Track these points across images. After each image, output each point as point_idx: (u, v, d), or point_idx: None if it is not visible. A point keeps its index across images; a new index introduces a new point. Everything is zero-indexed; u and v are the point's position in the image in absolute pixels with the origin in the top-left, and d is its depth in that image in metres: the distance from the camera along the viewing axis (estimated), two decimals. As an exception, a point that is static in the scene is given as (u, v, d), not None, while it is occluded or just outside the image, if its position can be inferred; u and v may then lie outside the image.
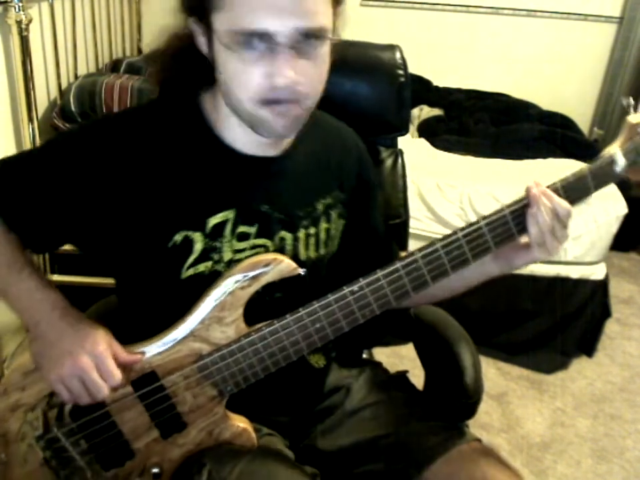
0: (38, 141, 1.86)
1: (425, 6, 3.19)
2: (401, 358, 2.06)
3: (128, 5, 2.92)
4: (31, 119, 1.82)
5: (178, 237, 0.79)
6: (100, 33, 2.56)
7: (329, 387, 1.02)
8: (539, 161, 2.40)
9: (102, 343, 0.76)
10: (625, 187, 2.22)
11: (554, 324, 2.19)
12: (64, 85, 2.19)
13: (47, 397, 0.80)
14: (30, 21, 1.70)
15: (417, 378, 1.06)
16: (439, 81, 3.14)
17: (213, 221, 0.81)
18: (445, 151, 2.44)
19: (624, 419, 1.96)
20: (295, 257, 0.86)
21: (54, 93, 2.17)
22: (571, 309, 2.18)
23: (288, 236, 0.87)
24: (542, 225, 0.78)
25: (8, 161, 0.83)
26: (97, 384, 0.74)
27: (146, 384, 0.80)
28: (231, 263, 0.82)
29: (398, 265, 0.79)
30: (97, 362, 0.75)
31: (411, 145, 2.42)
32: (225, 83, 0.75)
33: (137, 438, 0.82)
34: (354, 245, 0.98)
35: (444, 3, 3.18)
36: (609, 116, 3.24)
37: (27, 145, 1.85)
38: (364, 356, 1.22)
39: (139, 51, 3.09)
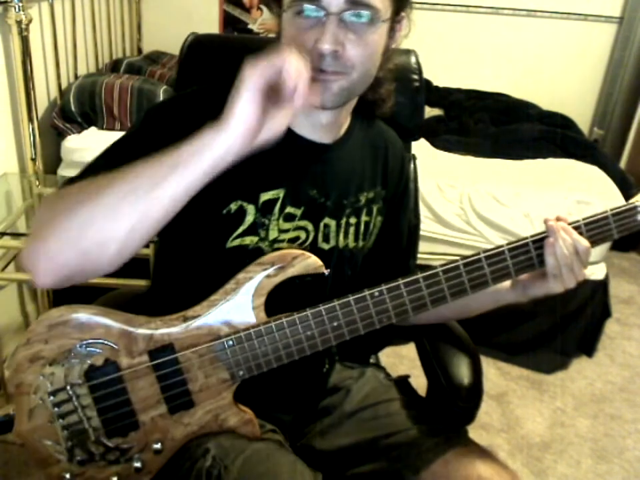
0: (38, 141, 1.86)
1: (424, 6, 3.19)
2: (401, 358, 2.06)
3: (128, 5, 2.93)
4: (30, 119, 1.82)
5: (233, 206, 0.83)
6: (100, 32, 2.57)
7: (329, 387, 1.03)
8: (539, 160, 2.40)
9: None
10: (625, 186, 2.22)
11: (554, 324, 2.18)
12: (64, 85, 2.19)
13: (67, 352, 0.81)
14: (30, 21, 1.70)
15: (417, 378, 1.06)
16: (439, 81, 3.15)
17: (265, 196, 0.85)
18: (445, 150, 2.43)
19: (624, 419, 1.96)
20: (335, 244, 0.91)
21: (54, 93, 2.17)
22: (571, 309, 2.18)
23: (332, 223, 0.90)
24: (559, 257, 0.81)
25: (94, 163, 0.80)
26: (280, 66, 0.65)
27: (162, 355, 0.81)
28: (275, 243, 0.86)
29: (419, 276, 0.82)
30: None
31: (411, 145, 2.42)
32: None
33: (145, 409, 0.83)
34: (378, 246, 1.01)
35: (444, 2, 3.19)
36: (609, 116, 3.24)
37: (27, 145, 1.86)
38: (371, 360, 1.22)
39: (139, 50, 3.09)
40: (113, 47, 2.76)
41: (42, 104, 2.09)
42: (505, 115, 2.81)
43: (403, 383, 1.05)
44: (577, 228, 0.83)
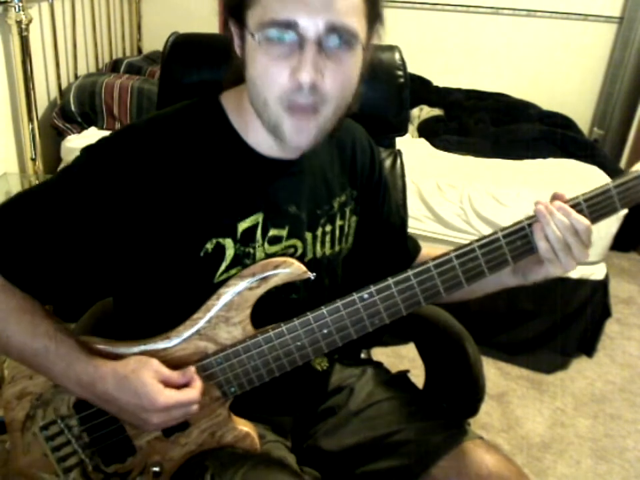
0: (38, 141, 1.86)
1: (425, 6, 3.19)
2: (401, 358, 2.06)
3: (128, 5, 2.93)
4: (30, 119, 1.82)
5: (209, 245, 0.79)
6: (100, 32, 2.57)
7: (331, 387, 1.02)
8: (539, 160, 2.39)
9: (155, 394, 0.72)
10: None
11: (554, 324, 2.18)
12: (64, 85, 2.20)
13: (53, 386, 0.80)
14: (30, 21, 1.71)
15: (417, 377, 1.06)
16: (439, 81, 3.15)
17: (243, 225, 0.80)
18: (445, 151, 2.43)
19: (624, 419, 1.96)
20: (312, 255, 0.87)
21: (54, 93, 2.17)
22: (571, 309, 2.18)
23: (309, 235, 0.87)
24: (552, 240, 0.76)
25: (7, 210, 0.78)
26: (183, 417, 0.76)
27: None
28: None
29: (410, 273, 0.77)
30: (165, 414, 0.74)
31: (411, 145, 2.42)
32: (253, 82, 0.73)
33: (139, 434, 0.82)
34: (370, 242, 0.99)
35: (444, 2, 3.19)
36: (609, 116, 3.24)
37: (27, 145, 1.86)
38: (362, 355, 1.22)
39: (139, 50, 3.09)
40: (113, 46, 2.76)
41: (42, 104, 2.09)
42: (505, 115, 2.81)
43: (402, 378, 1.06)
44: (576, 205, 0.77)
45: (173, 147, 0.78)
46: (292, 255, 0.85)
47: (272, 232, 0.83)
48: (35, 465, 0.83)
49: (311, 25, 0.67)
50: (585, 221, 0.76)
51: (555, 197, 0.78)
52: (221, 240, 0.79)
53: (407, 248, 1.03)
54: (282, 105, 0.71)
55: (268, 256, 0.82)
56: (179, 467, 0.85)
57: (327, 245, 0.90)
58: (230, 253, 0.80)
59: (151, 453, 0.83)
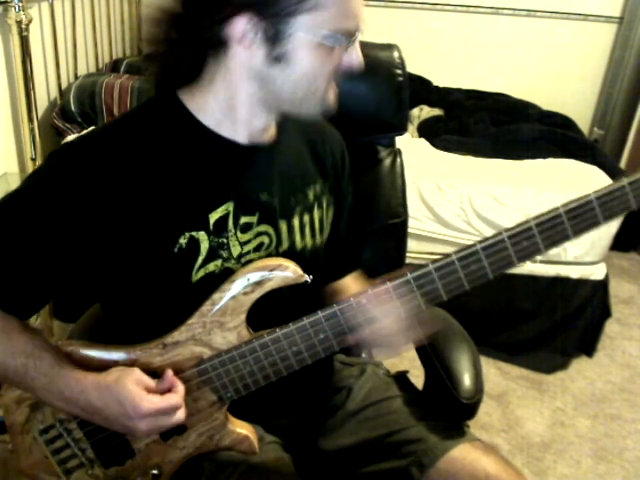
0: (38, 141, 1.86)
1: (425, 6, 3.19)
2: (401, 358, 2.05)
3: (128, 5, 2.92)
4: (30, 119, 1.81)
5: (183, 240, 0.78)
6: (100, 32, 2.56)
7: (330, 387, 1.02)
8: (539, 160, 2.39)
9: (139, 401, 0.73)
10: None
11: (554, 324, 2.19)
12: (64, 85, 2.19)
13: None
14: (30, 21, 1.70)
15: (417, 378, 1.06)
16: (439, 81, 3.15)
17: (215, 216, 0.80)
18: (445, 151, 2.43)
19: (624, 418, 1.96)
20: (291, 246, 0.86)
21: (54, 93, 2.17)
22: (571, 309, 2.18)
23: (283, 223, 0.86)
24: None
25: None
26: (173, 423, 0.76)
27: None
28: (241, 257, 0.81)
29: (411, 276, 0.75)
30: (152, 420, 0.74)
31: (411, 145, 2.42)
32: (296, 80, 0.77)
33: (138, 438, 0.82)
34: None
35: (444, 2, 3.19)
36: (609, 116, 3.24)
37: (27, 145, 1.85)
38: (363, 355, 1.22)
39: (139, 50, 3.09)
40: (113, 46, 2.75)
41: (42, 104, 2.09)
42: (505, 114, 2.81)
43: (402, 378, 1.06)
44: (557, 217, 0.72)
45: (137, 144, 0.78)
46: (267, 246, 0.84)
47: (243, 219, 0.82)
48: (37, 466, 0.84)
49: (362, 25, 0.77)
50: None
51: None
52: (194, 233, 0.78)
53: (340, 261, 1.01)
54: (326, 92, 0.79)
55: (242, 244, 0.81)
56: (178, 469, 0.85)
57: (308, 236, 0.90)
58: (205, 245, 0.79)
59: (150, 455, 0.83)
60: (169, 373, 0.76)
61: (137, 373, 0.75)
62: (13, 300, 0.78)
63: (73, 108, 2.11)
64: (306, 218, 0.89)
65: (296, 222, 0.88)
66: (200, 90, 0.81)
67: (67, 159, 0.77)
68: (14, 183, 1.89)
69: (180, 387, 0.75)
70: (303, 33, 0.73)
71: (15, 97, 1.82)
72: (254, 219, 0.83)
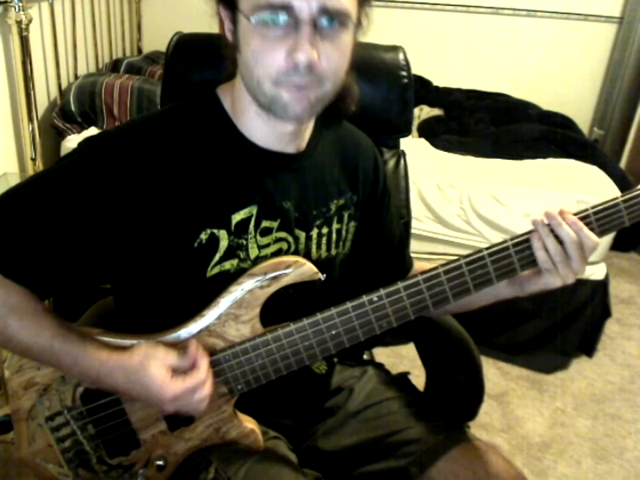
0: (38, 141, 1.86)
1: (425, 6, 3.19)
2: (401, 358, 2.06)
3: (128, 5, 2.93)
4: (30, 119, 1.82)
5: (204, 236, 0.79)
6: (100, 32, 2.57)
7: (331, 388, 1.02)
8: (539, 160, 2.40)
9: (164, 388, 0.73)
10: (625, 186, 2.22)
11: (554, 324, 2.18)
12: (64, 85, 2.20)
13: (60, 377, 0.81)
14: (30, 21, 1.70)
15: (417, 378, 1.06)
16: (439, 81, 3.15)
17: (237, 217, 0.81)
18: (445, 151, 2.44)
19: (624, 418, 1.96)
20: (306, 256, 0.87)
21: (54, 93, 2.17)
22: (571, 309, 2.18)
23: (302, 234, 0.87)
24: (551, 252, 0.77)
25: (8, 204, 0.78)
26: (198, 401, 0.75)
27: None
28: (258, 260, 0.82)
29: (419, 278, 0.78)
30: (178, 401, 0.74)
31: (411, 145, 2.42)
32: (246, 65, 0.74)
33: (144, 428, 0.82)
34: (367, 249, 0.99)
35: (444, 2, 3.19)
36: (609, 116, 3.24)
37: (27, 145, 1.85)
38: (365, 357, 1.22)
39: (139, 50, 3.09)
40: (113, 46, 2.76)
41: (42, 104, 2.09)
42: (505, 114, 2.81)
43: (402, 379, 1.06)
44: (585, 218, 0.77)
45: (170, 140, 0.79)
46: (284, 253, 0.85)
47: (264, 224, 0.83)
48: (39, 454, 0.83)
49: (305, 6, 0.68)
50: (594, 238, 0.77)
51: (561, 213, 0.78)
52: (215, 231, 0.79)
53: (404, 261, 1.03)
54: (276, 85, 0.72)
55: (260, 247, 0.82)
56: (183, 461, 0.85)
57: (323, 247, 0.90)
58: (224, 244, 0.80)
59: (155, 446, 0.84)
60: (192, 347, 0.76)
61: (160, 352, 0.75)
62: (36, 277, 0.78)
63: (72, 108, 2.12)
64: (324, 230, 0.90)
65: (314, 233, 0.89)
66: (233, 89, 0.82)
67: (102, 146, 0.78)
68: (14, 183, 1.89)
69: (204, 360, 0.76)
70: (242, 16, 0.72)
71: (14, 97, 1.82)
72: (274, 225, 0.84)
